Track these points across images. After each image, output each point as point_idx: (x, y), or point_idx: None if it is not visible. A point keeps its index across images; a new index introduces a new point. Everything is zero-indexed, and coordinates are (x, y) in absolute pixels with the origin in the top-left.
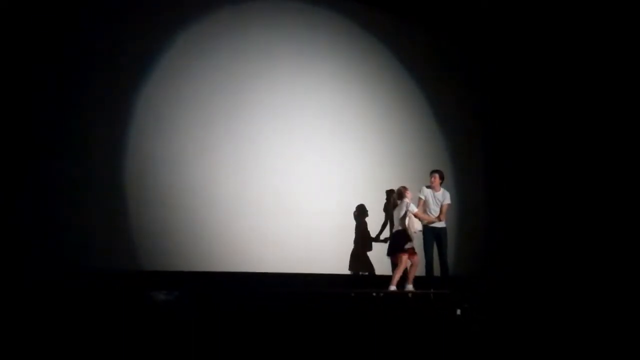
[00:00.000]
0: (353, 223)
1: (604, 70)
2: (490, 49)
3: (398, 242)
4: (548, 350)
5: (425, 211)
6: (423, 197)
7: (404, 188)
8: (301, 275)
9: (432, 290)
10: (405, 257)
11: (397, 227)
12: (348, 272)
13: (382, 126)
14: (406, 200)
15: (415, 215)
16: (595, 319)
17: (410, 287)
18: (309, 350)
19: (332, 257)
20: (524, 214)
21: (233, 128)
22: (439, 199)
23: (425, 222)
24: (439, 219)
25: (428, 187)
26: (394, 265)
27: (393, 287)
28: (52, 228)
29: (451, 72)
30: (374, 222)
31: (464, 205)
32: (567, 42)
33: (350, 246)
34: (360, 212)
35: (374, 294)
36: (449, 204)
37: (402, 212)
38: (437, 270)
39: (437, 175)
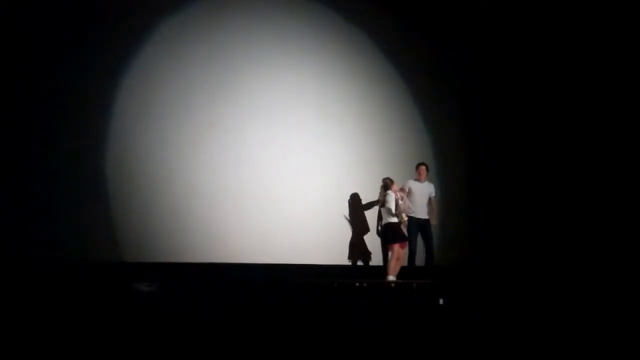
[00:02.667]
0: (339, 213)
1: (583, 65)
2: (473, 42)
3: (390, 233)
4: (531, 338)
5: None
6: (406, 189)
7: (390, 180)
8: (284, 265)
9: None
10: (397, 247)
11: (387, 219)
12: (347, 261)
13: (366, 117)
14: (390, 192)
15: (399, 208)
16: (577, 306)
17: (392, 278)
18: (292, 340)
19: (316, 248)
20: (505, 202)
21: (217, 119)
22: (424, 190)
23: (405, 213)
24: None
25: (414, 180)
26: (386, 256)
27: (392, 277)
28: (34, 220)
29: (433, 63)
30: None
31: (445, 194)
32: (549, 35)
33: (337, 236)
34: (355, 201)
35: (357, 284)
36: (434, 197)
37: (393, 204)
38: (418, 261)
39: (424, 168)
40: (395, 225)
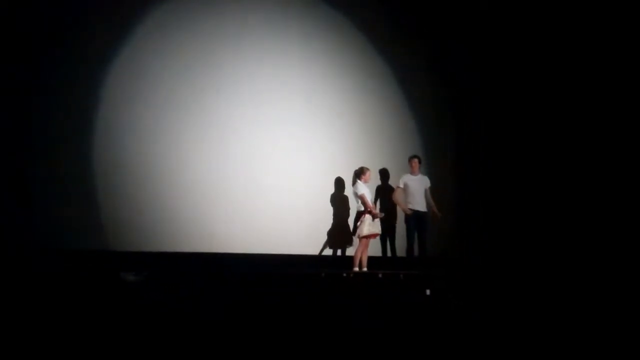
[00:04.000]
0: (322, 203)
1: (580, 64)
2: (467, 37)
3: (355, 223)
4: (518, 329)
5: (405, 198)
6: (402, 185)
7: (366, 169)
8: (272, 256)
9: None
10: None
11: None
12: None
13: (353, 107)
14: (359, 181)
15: (362, 199)
16: (565, 299)
17: (356, 269)
18: (279, 331)
19: (302, 238)
20: (494, 194)
21: (203, 108)
22: (420, 183)
23: (402, 208)
24: (436, 215)
25: (409, 173)
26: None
27: (355, 268)
28: (21, 207)
29: (422, 54)
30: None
31: (433, 186)
32: (536, 29)
33: (325, 227)
34: (339, 187)
35: (345, 275)
36: (429, 188)
37: (359, 193)
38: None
39: (416, 160)
40: (358, 214)
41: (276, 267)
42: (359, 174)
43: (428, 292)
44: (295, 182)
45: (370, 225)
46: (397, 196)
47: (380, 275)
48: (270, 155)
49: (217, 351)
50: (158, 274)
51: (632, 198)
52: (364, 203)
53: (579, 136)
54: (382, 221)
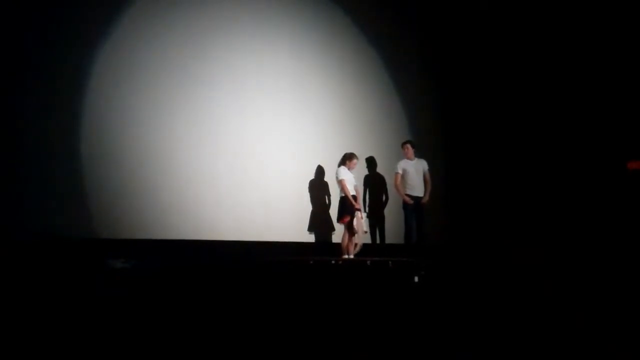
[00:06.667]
0: (312, 190)
1: (565, 55)
2: (452, 23)
3: (340, 208)
4: (503, 313)
5: (404, 184)
6: (400, 171)
7: (353, 155)
8: (260, 243)
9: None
10: (346, 222)
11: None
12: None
13: (341, 92)
14: (343, 167)
15: (341, 184)
16: (551, 284)
17: (345, 256)
18: (266, 319)
19: (290, 225)
20: (483, 181)
21: (191, 94)
22: (418, 167)
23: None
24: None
25: (405, 159)
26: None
27: (345, 256)
28: (8, 194)
29: (411, 40)
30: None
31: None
32: (523, 21)
33: (307, 213)
34: (321, 174)
35: (333, 262)
36: (428, 171)
37: (339, 178)
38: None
39: (409, 146)
40: (341, 200)
41: (264, 254)
42: (344, 159)
43: (416, 279)
44: (283, 170)
45: (365, 220)
46: (397, 183)
47: (368, 263)
48: (259, 144)
49: (204, 341)
50: (146, 261)
51: (629, 194)
52: (342, 189)
53: (573, 129)
54: (371, 210)
